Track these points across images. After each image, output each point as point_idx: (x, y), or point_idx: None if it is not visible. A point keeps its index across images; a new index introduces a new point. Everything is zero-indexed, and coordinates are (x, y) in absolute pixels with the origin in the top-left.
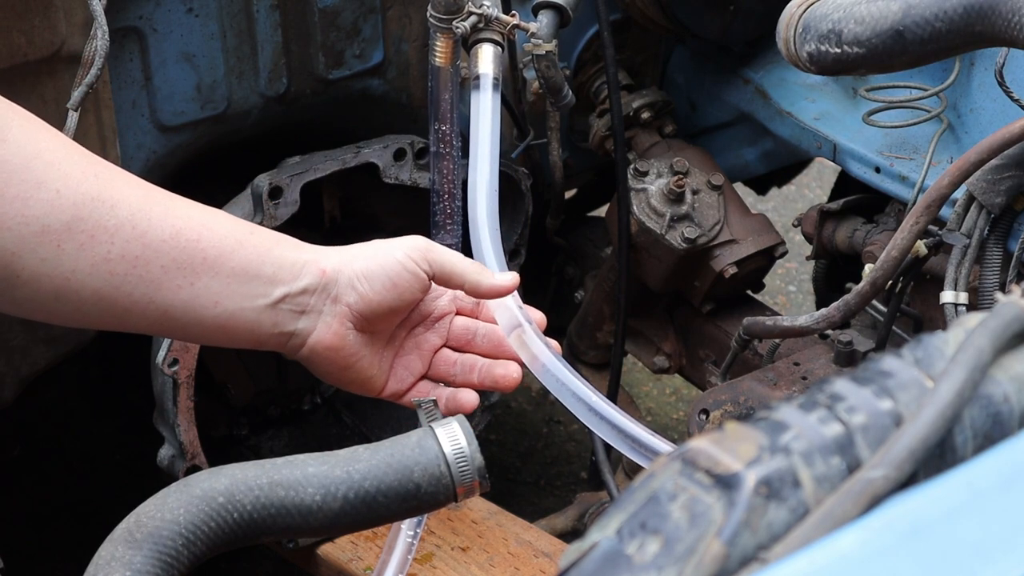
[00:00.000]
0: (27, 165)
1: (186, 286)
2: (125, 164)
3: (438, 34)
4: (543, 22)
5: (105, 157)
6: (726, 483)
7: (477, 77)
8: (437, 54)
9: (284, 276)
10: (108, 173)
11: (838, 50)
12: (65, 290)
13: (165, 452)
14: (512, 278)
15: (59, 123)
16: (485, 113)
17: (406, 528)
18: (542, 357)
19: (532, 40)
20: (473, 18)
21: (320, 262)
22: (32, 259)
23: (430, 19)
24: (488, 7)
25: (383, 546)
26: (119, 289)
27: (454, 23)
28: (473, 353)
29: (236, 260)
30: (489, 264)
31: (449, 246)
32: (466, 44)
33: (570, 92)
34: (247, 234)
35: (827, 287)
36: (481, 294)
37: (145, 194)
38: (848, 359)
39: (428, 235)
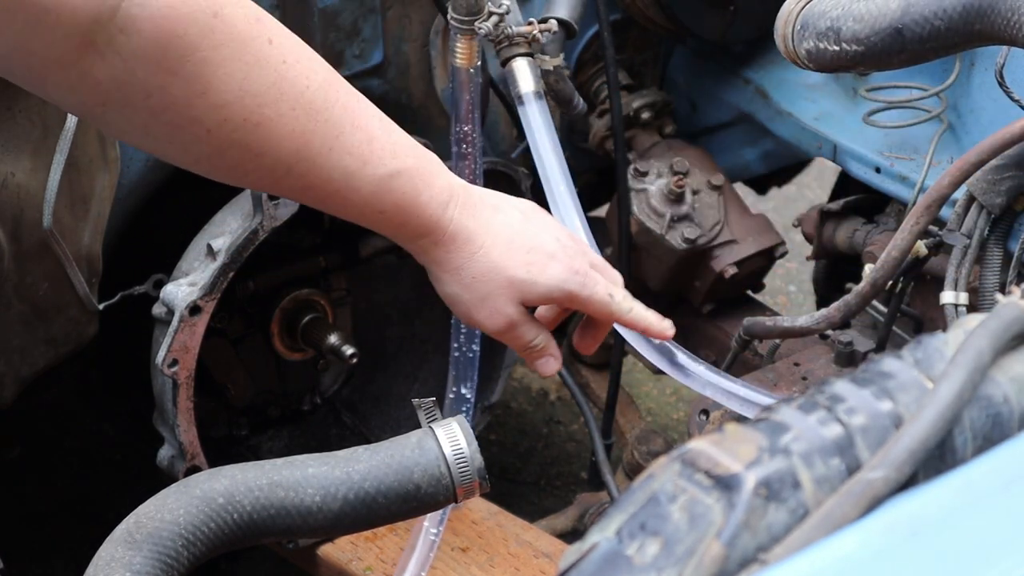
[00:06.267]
0: (189, 102)
1: None
2: (125, 164)
3: (459, 35)
4: (548, 37)
5: (104, 157)
6: (726, 484)
7: (519, 96)
8: (458, 55)
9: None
10: (271, 122)
11: (836, 47)
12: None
13: (165, 452)
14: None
15: (59, 123)
16: (539, 126)
17: (428, 524)
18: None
19: (538, 56)
20: (494, 18)
21: None
22: (167, 159)
23: (451, 21)
24: (506, 5)
25: (383, 546)
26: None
27: (476, 24)
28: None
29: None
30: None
31: None
32: (497, 53)
33: (581, 101)
34: (377, 212)
35: (827, 287)
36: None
37: (299, 148)
38: (848, 359)
39: None
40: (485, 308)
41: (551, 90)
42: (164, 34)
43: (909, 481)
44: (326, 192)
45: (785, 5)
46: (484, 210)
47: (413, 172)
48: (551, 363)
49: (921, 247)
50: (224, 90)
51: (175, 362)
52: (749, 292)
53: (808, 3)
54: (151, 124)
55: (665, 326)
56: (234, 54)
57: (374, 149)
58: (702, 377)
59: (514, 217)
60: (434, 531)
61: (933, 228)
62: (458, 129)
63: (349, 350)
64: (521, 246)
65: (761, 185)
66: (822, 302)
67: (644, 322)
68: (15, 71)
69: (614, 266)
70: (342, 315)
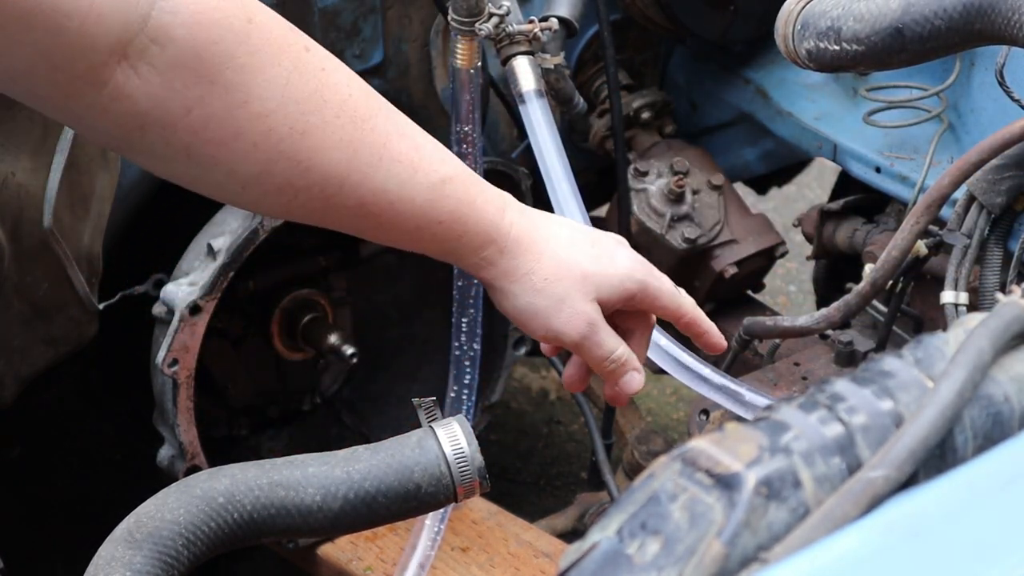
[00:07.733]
0: (231, 113)
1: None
2: (125, 164)
3: (459, 37)
4: (549, 35)
5: (104, 157)
6: (726, 483)
7: (520, 94)
8: (458, 56)
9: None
10: (318, 131)
11: (837, 47)
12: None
13: (165, 452)
14: None
15: (59, 123)
16: (540, 124)
17: (429, 523)
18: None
19: (539, 55)
20: (495, 19)
21: None
22: (214, 191)
23: (452, 22)
24: (507, 6)
25: (383, 546)
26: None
27: (476, 25)
28: None
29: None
30: None
31: None
32: (497, 52)
33: (581, 100)
34: (435, 223)
35: (827, 287)
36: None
37: (349, 157)
38: (848, 359)
39: None
40: (564, 311)
41: (552, 89)
42: (199, 41)
43: (909, 480)
44: (380, 206)
45: (785, 5)
46: (535, 213)
47: (464, 177)
48: (636, 377)
49: (921, 247)
50: (267, 97)
51: (175, 362)
52: (749, 292)
53: (808, 3)
54: (194, 145)
55: (722, 340)
56: (272, 59)
57: (423, 155)
58: (704, 377)
59: (562, 219)
60: (435, 531)
61: (933, 228)
62: (458, 129)
63: (349, 350)
64: (584, 241)
65: (761, 185)
66: (822, 302)
67: (706, 324)
68: (40, 91)
69: None
70: (342, 315)
